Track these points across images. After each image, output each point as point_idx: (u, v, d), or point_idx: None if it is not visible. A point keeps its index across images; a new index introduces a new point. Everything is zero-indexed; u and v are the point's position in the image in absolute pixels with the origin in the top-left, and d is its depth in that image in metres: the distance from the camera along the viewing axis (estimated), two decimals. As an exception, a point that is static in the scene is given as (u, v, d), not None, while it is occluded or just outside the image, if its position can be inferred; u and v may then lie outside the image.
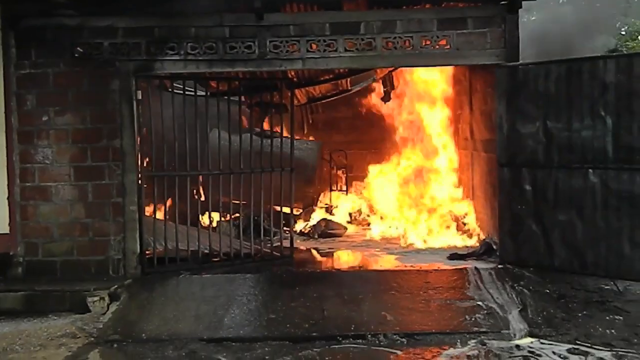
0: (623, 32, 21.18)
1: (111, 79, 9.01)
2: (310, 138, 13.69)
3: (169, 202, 9.62)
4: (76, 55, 9.01)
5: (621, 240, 8.01)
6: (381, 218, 12.73)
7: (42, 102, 9.03)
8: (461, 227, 11.26)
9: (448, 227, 11.34)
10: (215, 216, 10.82)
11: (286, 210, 10.36)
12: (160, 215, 10.04)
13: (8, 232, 8.93)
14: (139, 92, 9.10)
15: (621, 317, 7.50)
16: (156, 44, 9.03)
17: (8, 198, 8.92)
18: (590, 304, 7.87)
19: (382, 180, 13.40)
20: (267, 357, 6.73)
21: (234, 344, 7.15)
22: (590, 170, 8.18)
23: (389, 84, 13.29)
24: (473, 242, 10.55)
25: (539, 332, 7.22)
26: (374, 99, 13.80)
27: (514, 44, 8.99)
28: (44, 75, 9.02)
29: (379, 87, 13.55)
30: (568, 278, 8.44)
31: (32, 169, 9.05)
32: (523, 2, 8.93)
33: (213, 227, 10.31)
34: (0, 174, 8.86)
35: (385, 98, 13.52)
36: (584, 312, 7.64)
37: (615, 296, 8.07)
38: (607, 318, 7.49)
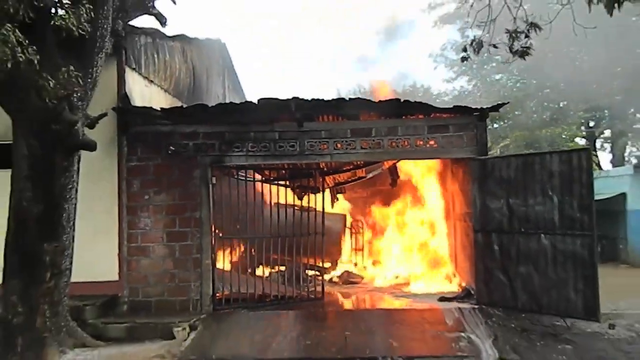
0: (564, 136, 21.61)
1: (193, 169, 9.16)
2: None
3: (234, 258, 9.63)
4: (169, 152, 9.19)
5: (567, 288, 7.87)
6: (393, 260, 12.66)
7: (144, 185, 9.19)
8: (448, 277, 11.09)
9: (438, 277, 11.23)
10: (267, 268, 10.80)
11: (319, 264, 10.35)
12: (227, 266, 10.06)
13: (117, 279, 9.00)
14: (214, 178, 9.25)
15: (570, 346, 7.34)
16: (226, 144, 9.22)
17: (118, 254, 9.03)
18: (546, 336, 7.69)
19: (390, 242, 13.33)
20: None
21: (279, 363, 7.09)
22: (542, 235, 8.12)
23: (394, 173, 13.34)
24: (456, 288, 10.35)
25: (507, 357, 7.06)
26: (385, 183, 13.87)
27: (483, 143, 9.09)
28: (146, 167, 9.20)
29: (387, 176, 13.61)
30: (528, 316, 8.27)
31: (136, 234, 9.14)
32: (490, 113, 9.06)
33: (265, 277, 10.32)
34: (113, 237, 9.02)
35: (393, 184, 13.56)
36: (542, 342, 7.47)
37: (565, 330, 7.88)
38: (560, 347, 7.33)
